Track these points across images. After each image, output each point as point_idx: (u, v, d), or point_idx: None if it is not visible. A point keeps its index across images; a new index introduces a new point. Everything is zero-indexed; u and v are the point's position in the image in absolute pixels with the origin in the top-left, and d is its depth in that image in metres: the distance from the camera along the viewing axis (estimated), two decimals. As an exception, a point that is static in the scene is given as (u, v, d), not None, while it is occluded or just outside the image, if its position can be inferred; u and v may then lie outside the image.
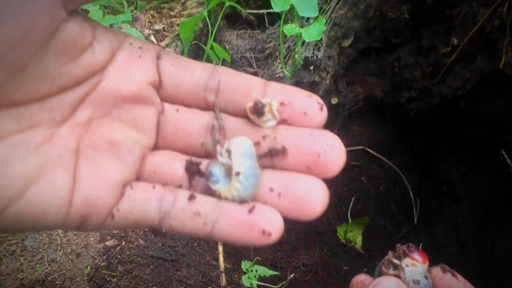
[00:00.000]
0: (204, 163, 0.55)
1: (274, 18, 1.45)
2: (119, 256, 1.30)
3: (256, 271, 1.52)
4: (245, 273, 1.48)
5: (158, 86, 0.57)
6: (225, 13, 1.42)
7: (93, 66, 0.52)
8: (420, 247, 0.67)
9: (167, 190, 0.53)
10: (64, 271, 1.28)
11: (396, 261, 0.63)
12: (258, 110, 0.53)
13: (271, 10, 1.35)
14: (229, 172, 0.53)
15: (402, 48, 1.47)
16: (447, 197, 1.86)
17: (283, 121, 0.55)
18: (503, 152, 1.41)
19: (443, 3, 1.31)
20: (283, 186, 0.52)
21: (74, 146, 0.51)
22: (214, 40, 1.23)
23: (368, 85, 1.55)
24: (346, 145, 1.77)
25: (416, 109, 1.61)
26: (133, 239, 1.34)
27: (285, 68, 1.13)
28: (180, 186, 0.54)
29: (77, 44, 0.49)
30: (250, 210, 0.50)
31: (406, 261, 0.63)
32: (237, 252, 1.55)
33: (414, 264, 0.62)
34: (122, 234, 1.34)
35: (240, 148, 0.52)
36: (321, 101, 0.55)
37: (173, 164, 0.55)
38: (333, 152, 0.52)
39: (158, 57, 0.56)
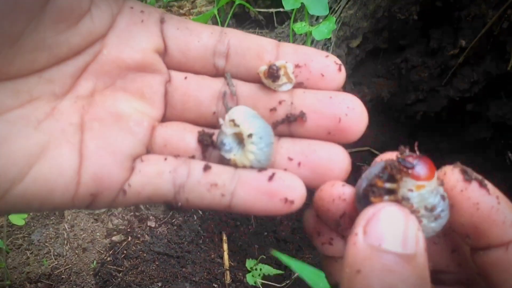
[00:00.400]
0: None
1: (283, 17, 1.46)
2: (125, 252, 1.30)
3: (261, 269, 1.52)
4: (249, 271, 1.48)
5: (163, 53, 0.53)
6: (234, 12, 1.42)
7: (93, 33, 0.48)
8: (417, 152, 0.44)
9: (180, 161, 0.50)
10: (70, 266, 1.29)
11: (390, 186, 0.42)
12: (273, 74, 0.50)
13: (280, 9, 1.35)
14: (240, 141, 0.50)
15: (409, 50, 1.47)
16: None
17: (299, 85, 0.52)
18: (510, 154, 1.41)
19: (452, 5, 1.31)
20: (302, 154, 0.50)
21: (78, 120, 0.48)
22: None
23: (375, 86, 1.56)
24: (352, 146, 1.77)
25: (423, 111, 1.61)
26: (139, 235, 1.34)
27: (294, 66, 1.13)
28: (193, 157, 0.51)
29: (74, 10, 0.46)
30: (270, 178, 0.47)
31: (407, 183, 0.41)
32: (242, 250, 1.55)
33: (420, 186, 0.41)
34: (129, 230, 1.35)
35: (243, 112, 0.50)
36: (338, 61, 0.52)
37: (184, 136, 0.52)
38: (354, 115, 0.49)
39: (162, 21, 0.53)
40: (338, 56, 1.28)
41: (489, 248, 0.40)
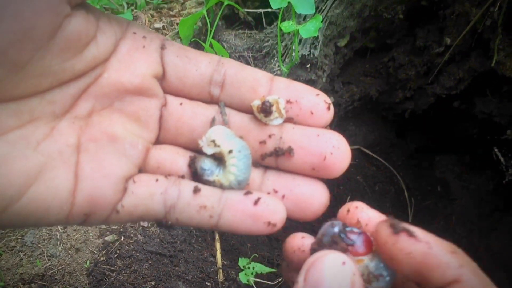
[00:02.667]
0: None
1: (272, 18, 1.48)
2: (118, 251, 1.31)
3: (253, 268, 1.53)
4: (242, 270, 1.49)
5: (161, 78, 0.55)
6: (223, 13, 1.44)
7: (97, 59, 0.50)
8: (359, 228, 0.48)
9: (170, 181, 0.52)
10: (63, 266, 1.29)
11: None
12: (266, 109, 0.52)
13: (269, 10, 1.37)
14: (219, 161, 0.53)
15: (396, 48, 1.50)
16: (441, 197, 1.89)
17: (289, 119, 0.55)
18: (496, 150, 1.43)
19: (437, 4, 1.33)
20: (287, 188, 0.53)
21: (75, 141, 0.50)
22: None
23: (363, 85, 1.58)
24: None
25: (411, 109, 1.63)
26: (132, 235, 1.35)
27: (283, 65, 1.15)
28: (183, 177, 0.54)
29: (82, 38, 0.48)
30: (256, 202, 0.51)
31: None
32: (234, 249, 1.56)
33: (360, 260, 0.45)
34: (121, 230, 1.36)
35: (222, 132, 0.52)
36: (328, 100, 0.55)
37: (177, 160, 0.55)
38: (339, 154, 0.52)
39: (163, 48, 0.55)
40: (326, 55, 1.30)
41: None
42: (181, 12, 1.48)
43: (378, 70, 1.56)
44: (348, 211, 0.50)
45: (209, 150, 0.53)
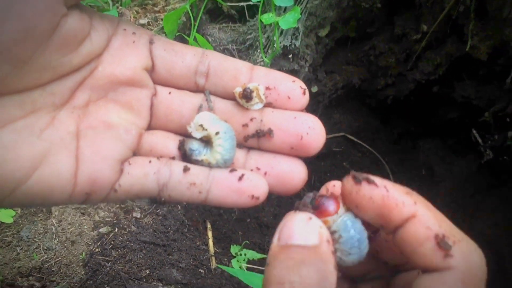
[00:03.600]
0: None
1: (254, 11, 1.52)
2: (112, 242, 1.35)
3: (245, 254, 1.58)
4: (234, 257, 1.54)
5: (151, 70, 0.60)
6: (207, 8, 1.48)
7: (91, 53, 0.55)
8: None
9: (162, 162, 0.57)
10: (60, 258, 1.33)
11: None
12: (247, 95, 0.57)
13: (250, 3, 1.41)
14: (206, 143, 0.58)
15: (376, 37, 1.54)
16: (426, 180, 1.94)
17: (268, 104, 0.59)
18: (474, 131, 1.49)
19: (413, -8, 1.38)
20: (268, 166, 0.58)
21: (74, 129, 0.54)
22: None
23: (346, 74, 1.63)
24: (328, 133, 1.85)
25: (393, 96, 1.68)
26: (125, 226, 1.39)
27: (265, 56, 1.19)
28: (173, 158, 0.59)
29: (77, 35, 0.52)
30: (240, 178, 0.56)
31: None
32: (226, 237, 1.61)
33: (325, 221, 0.50)
34: (115, 221, 1.40)
35: (208, 117, 0.57)
36: (304, 85, 0.59)
37: (167, 144, 0.59)
38: (314, 134, 0.57)
39: (151, 42, 0.59)
40: (307, 46, 1.35)
41: (397, 229, 0.47)
42: (165, 7, 1.52)
43: (360, 58, 1.61)
44: (327, 190, 0.55)
45: (197, 134, 0.57)
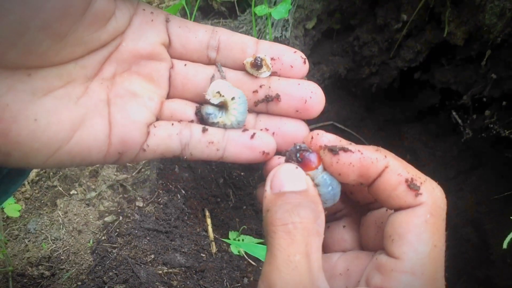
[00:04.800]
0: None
1: (244, 7, 1.59)
2: (117, 230, 1.41)
3: (243, 240, 1.65)
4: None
5: (168, 45, 0.66)
6: (198, 5, 1.55)
7: (116, 30, 0.61)
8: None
9: (183, 125, 0.64)
10: (68, 247, 1.39)
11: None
12: (257, 64, 0.65)
13: (241, -2, 1.49)
14: (220, 107, 0.66)
15: (360, 28, 1.63)
16: (411, 164, 2.03)
17: (273, 73, 0.67)
18: (454, 113, 1.58)
19: (392, -16, 1.47)
20: (276, 127, 0.66)
21: (105, 97, 0.60)
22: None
23: (332, 64, 1.71)
24: (316, 122, 1.93)
25: (377, 84, 1.77)
26: (129, 214, 1.45)
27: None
28: (192, 121, 0.66)
29: (105, 14, 0.58)
30: (252, 136, 0.64)
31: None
32: (224, 224, 1.68)
33: (308, 173, 0.58)
34: (119, 211, 1.46)
35: (223, 84, 0.65)
36: (304, 56, 0.67)
37: (185, 109, 0.67)
38: (316, 98, 0.64)
39: (167, 20, 0.66)
40: (296, 37, 1.43)
41: (373, 182, 0.56)
42: (160, 5, 1.58)
43: (345, 49, 1.69)
44: (312, 138, 0.62)
45: (215, 100, 0.65)
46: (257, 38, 1.39)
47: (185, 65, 0.67)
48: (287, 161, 0.60)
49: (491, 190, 1.87)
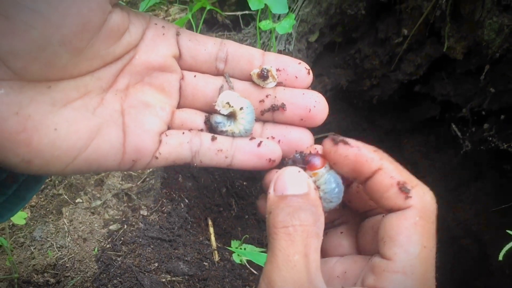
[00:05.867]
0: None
1: (248, 20, 1.63)
2: (122, 238, 1.43)
3: (245, 249, 1.67)
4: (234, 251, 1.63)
5: (178, 58, 0.69)
6: (204, 17, 1.58)
7: (130, 44, 0.64)
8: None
9: (193, 133, 0.67)
10: (73, 255, 1.41)
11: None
12: (263, 75, 0.67)
13: (246, 12, 1.52)
14: (228, 117, 0.68)
15: (361, 41, 1.66)
16: (411, 175, 2.05)
17: (279, 83, 0.69)
18: (453, 126, 1.61)
19: (393, -1, 1.51)
20: (281, 135, 0.69)
21: (119, 108, 0.63)
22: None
23: (334, 76, 1.74)
24: (317, 132, 1.97)
25: (378, 96, 1.80)
26: (133, 223, 1.48)
27: (262, 59, 1.30)
28: (201, 130, 0.69)
29: (120, 28, 0.61)
30: (259, 144, 0.67)
31: (308, 173, 0.60)
32: (227, 233, 1.70)
33: (314, 174, 0.60)
34: (124, 219, 1.48)
35: (232, 95, 0.68)
36: (308, 67, 0.69)
37: (195, 118, 0.69)
38: (320, 107, 0.67)
39: (178, 34, 0.69)
40: (299, 50, 1.46)
41: (367, 179, 0.58)
42: (166, 18, 1.62)
43: (346, 61, 1.72)
44: (310, 151, 0.65)
45: (225, 111, 0.68)
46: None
47: (195, 76, 0.70)
48: (291, 165, 0.62)
49: (490, 202, 1.89)
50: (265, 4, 1.13)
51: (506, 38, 1.27)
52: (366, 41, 1.64)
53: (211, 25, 1.70)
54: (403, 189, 0.56)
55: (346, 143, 0.59)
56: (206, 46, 0.70)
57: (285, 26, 1.14)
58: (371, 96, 1.80)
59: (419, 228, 0.55)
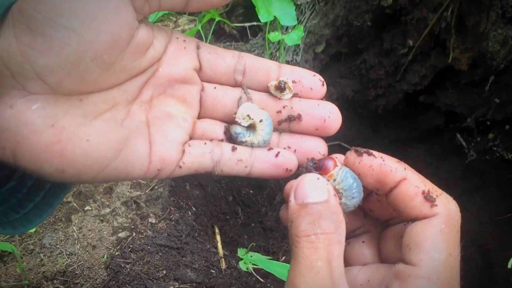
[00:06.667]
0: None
1: (256, 30, 1.65)
2: (131, 246, 1.45)
3: (251, 256, 1.68)
4: (241, 259, 1.64)
5: (199, 70, 0.71)
6: (211, 28, 1.61)
7: (154, 58, 0.67)
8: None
9: (214, 144, 0.70)
10: (82, 262, 1.43)
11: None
12: (281, 87, 0.70)
13: (254, 23, 1.55)
14: (248, 128, 0.71)
15: (367, 52, 1.68)
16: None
17: (295, 95, 0.72)
18: (458, 135, 1.63)
19: (399, 11, 1.53)
20: (297, 144, 0.71)
21: (145, 119, 0.66)
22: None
23: (340, 86, 1.76)
24: (325, 142, 1.96)
25: (383, 105, 1.82)
26: (142, 231, 1.49)
27: (271, 70, 1.33)
28: (222, 140, 0.72)
29: (145, 44, 0.64)
30: (277, 155, 0.69)
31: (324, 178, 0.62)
32: (233, 241, 1.72)
33: (330, 175, 0.62)
34: (132, 227, 1.50)
35: (252, 107, 0.70)
36: (322, 79, 0.72)
37: (215, 129, 0.72)
38: (334, 117, 0.70)
39: (198, 47, 0.71)
40: (306, 61, 1.48)
41: (391, 190, 0.60)
42: (175, 29, 1.64)
43: (352, 72, 1.75)
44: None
45: (245, 123, 0.70)
46: (270, 62, 1.45)
47: (215, 87, 0.73)
48: (304, 172, 0.64)
49: (495, 210, 1.91)
50: (274, 16, 1.15)
51: (511, 49, 1.29)
52: (371, 51, 1.66)
53: (219, 35, 1.73)
54: (429, 198, 0.57)
55: (370, 154, 0.61)
56: (225, 59, 0.72)
57: (294, 37, 1.17)
58: (377, 105, 1.82)
59: (444, 236, 0.56)
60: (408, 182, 0.59)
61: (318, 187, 0.59)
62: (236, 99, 0.73)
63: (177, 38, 0.71)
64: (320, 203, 0.58)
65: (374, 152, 0.62)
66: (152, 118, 0.68)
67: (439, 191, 0.59)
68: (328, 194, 0.59)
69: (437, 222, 0.57)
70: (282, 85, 0.70)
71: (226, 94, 0.73)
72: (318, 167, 0.64)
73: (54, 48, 0.54)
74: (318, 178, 0.60)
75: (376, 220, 0.71)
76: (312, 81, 0.72)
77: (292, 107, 0.72)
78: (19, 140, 0.55)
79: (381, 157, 0.61)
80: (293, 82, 0.71)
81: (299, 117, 0.71)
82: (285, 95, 0.71)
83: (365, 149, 0.62)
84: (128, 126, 0.64)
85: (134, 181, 1.65)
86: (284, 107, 0.72)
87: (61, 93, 0.57)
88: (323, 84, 0.72)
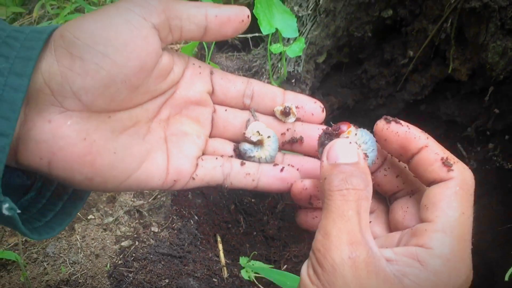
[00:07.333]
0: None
1: (257, 41, 1.67)
2: (134, 255, 1.46)
3: (253, 265, 1.69)
4: (243, 268, 1.65)
5: (212, 93, 0.80)
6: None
7: (173, 81, 0.74)
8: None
9: (225, 159, 0.78)
10: (85, 271, 1.44)
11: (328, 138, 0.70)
12: (286, 112, 0.78)
13: (256, 34, 1.57)
14: (255, 145, 0.78)
15: (367, 62, 1.70)
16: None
17: (298, 119, 0.80)
18: (459, 145, 1.64)
19: (399, 22, 1.55)
20: (300, 164, 0.80)
21: (163, 135, 0.74)
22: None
23: (341, 96, 1.78)
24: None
25: (384, 115, 1.83)
26: (145, 239, 1.50)
27: (273, 80, 1.34)
28: (231, 156, 0.80)
29: (167, 69, 0.71)
30: (282, 170, 0.77)
31: (344, 136, 0.69)
32: (235, 250, 1.72)
33: (349, 131, 0.70)
34: (135, 236, 1.51)
35: (261, 125, 0.78)
36: (322, 105, 0.82)
37: (225, 147, 0.80)
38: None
39: (212, 73, 0.79)
40: (308, 71, 1.50)
41: (412, 156, 0.67)
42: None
43: (353, 81, 1.76)
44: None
45: (254, 138, 0.78)
46: (271, 72, 1.47)
47: (226, 110, 0.81)
48: (323, 143, 0.70)
49: (495, 220, 1.91)
50: (276, 29, 1.17)
51: (510, 60, 1.31)
52: (372, 62, 1.68)
53: (221, 46, 1.75)
54: (446, 163, 0.64)
55: (398, 122, 0.70)
56: (235, 84, 0.80)
57: (295, 49, 1.19)
58: (378, 115, 1.83)
59: (459, 197, 0.63)
60: (429, 149, 0.66)
61: (350, 150, 0.65)
62: (245, 121, 0.81)
63: (193, 64, 0.79)
64: (351, 164, 0.64)
65: (401, 121, 0.70)
66: (169, 135, 0.76)
67: (456, 159, 0.66)
68: (358, 157, 0.65)
69: (452, 184, 0.63)
70: (287, 110, 0.79)
71: (236, 116, 0.81)
72: (335, 133, 0.70)
73: (90, 71, 0.60)
74: (350, 143, 0.66)
75: (383, 195, 0.79)
76: (313, 107, 0.81)
77: (295, 130, 0.81)
78: (55, 151, 0.61)
79: (407, 126, 0.69)
80: (296, 107, 0.80)
81: (301, 139, 0.80)
82: (289, 119, 0.80)
83: (394, 118, 0.70)
84: (149, 141, 0.72)
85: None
86: (287, 130, 0.81)
87: (93, 111, 0.63)
88: (323, 110, 0.82)
